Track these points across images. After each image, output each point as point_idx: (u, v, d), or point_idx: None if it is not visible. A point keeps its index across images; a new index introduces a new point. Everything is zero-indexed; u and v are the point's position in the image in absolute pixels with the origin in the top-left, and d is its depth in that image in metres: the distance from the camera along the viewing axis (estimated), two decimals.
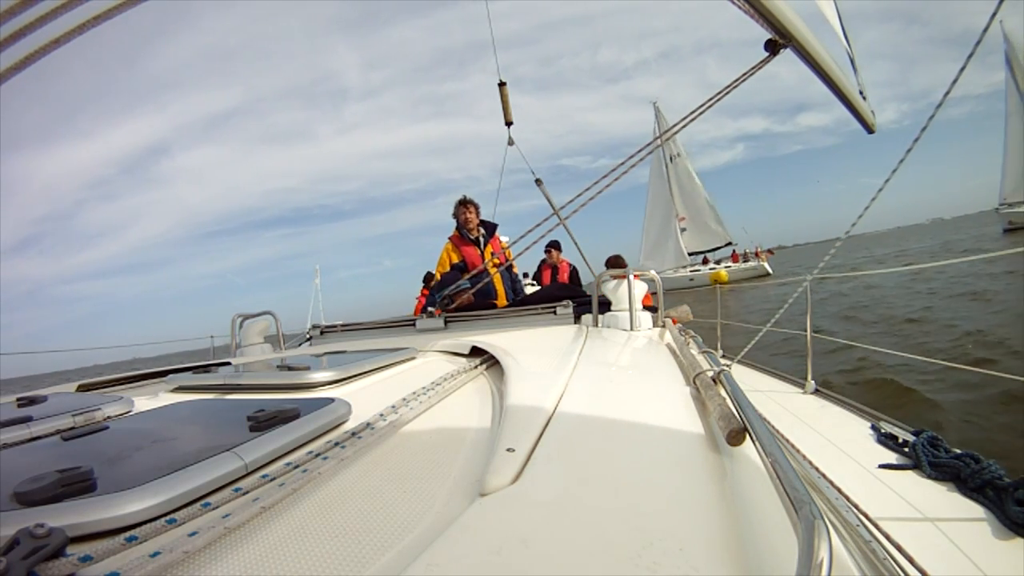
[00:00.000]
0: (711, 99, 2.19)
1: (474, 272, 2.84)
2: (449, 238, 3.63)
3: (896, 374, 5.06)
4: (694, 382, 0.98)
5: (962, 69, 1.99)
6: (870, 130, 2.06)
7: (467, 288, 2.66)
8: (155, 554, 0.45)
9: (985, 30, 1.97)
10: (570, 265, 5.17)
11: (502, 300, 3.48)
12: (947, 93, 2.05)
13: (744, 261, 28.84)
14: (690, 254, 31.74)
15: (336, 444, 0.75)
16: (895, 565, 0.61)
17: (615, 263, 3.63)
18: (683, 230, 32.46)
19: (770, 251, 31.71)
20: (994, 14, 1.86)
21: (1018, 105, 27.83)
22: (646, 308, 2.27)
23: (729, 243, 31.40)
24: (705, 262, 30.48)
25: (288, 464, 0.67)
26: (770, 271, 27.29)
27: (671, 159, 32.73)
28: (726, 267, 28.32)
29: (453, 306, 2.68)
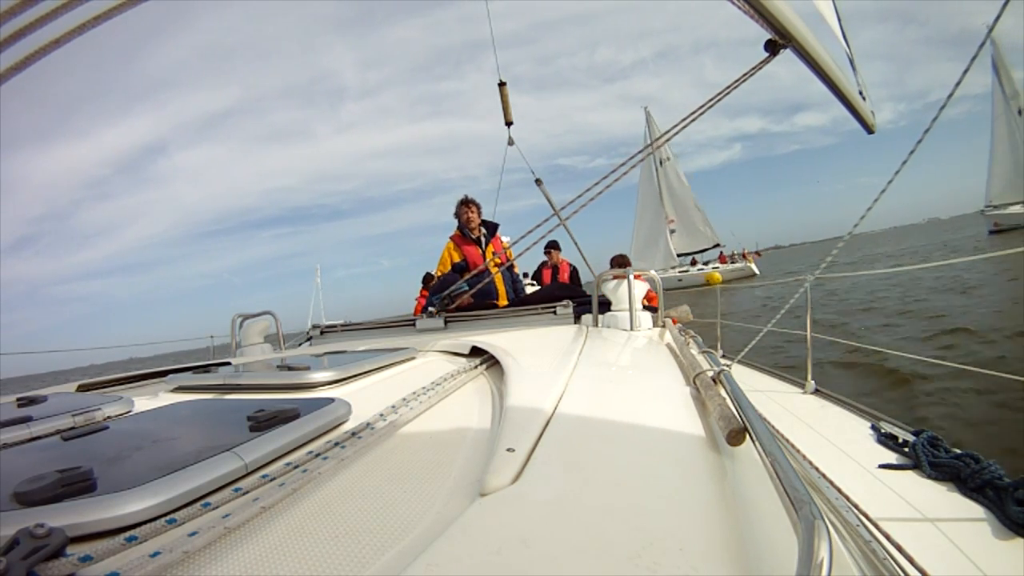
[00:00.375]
0: (710, 100, 2.19)
1: (475, 271, 2.85)
2: (450, 237, 3.63)
3: (884, 360, 5.44)
4: (694, 382, 0.98)
5: (965, 71, 1.99)
6: (870, 130, 2.06)
7: (465, 291, 2.66)
8: (155, 554, 0.45)
9: (990, 31, 1.97)
10: (570, 265, 5.18)
11: (503, 300, 3.49)
12: (951, 95, 2.05)
13: (731, 262, 29.64)
14: (679, 255, 32.68)
15: (336, 444, 0.74)
16: (895, 565, 0.61)
17: (620, 263, 3.64)
18: (672, 232, 33.48)
19: (757, 253, 32.87)
20: (998, 16, 1.86)
21: (1004, 109, 28.53)
22: (648, 308, 2.27)
23: (717, 245, 32.31)
24: (693, 263, 31.34)
25: (288, 464, 0.67)
26: (757, 272, 28.03)
27: (661, 162, 33.71)
28: (714, 268, 29.12)
29: (453, 306, 2.68)
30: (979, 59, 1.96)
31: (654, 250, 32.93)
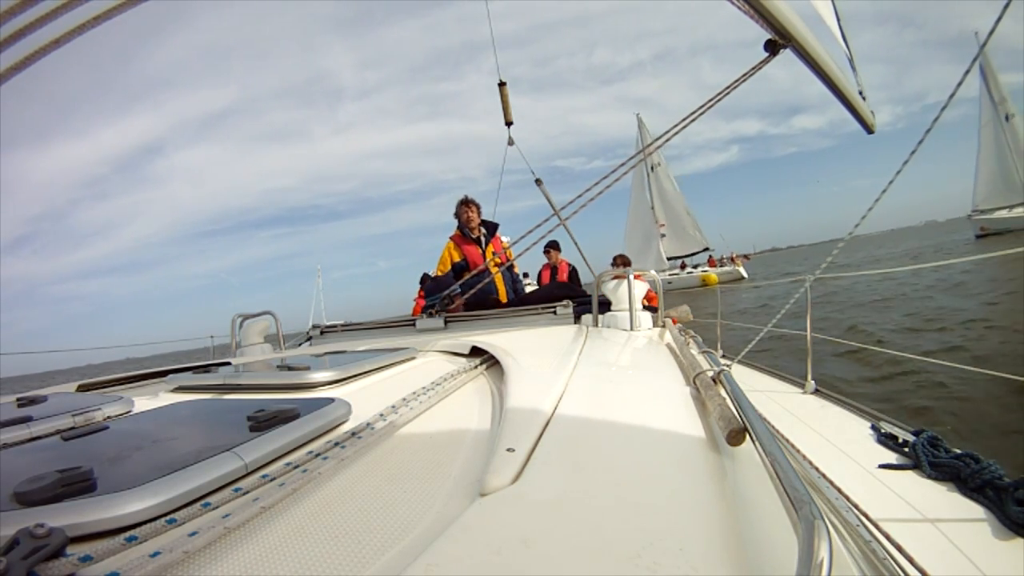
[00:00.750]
0: (709, 101, 2.19)
1: (476, 271, 2.85)
2: (451, 237, 3.64)
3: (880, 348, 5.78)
4: (694, 382, 0.98)
5: (960, 82, 2.00)
6: (870, 130, 2.06)
7: (459, 294, 2.68)
8: (155, 554, 0.45)
9: (984, 43, 1.97)
10: (569, 265, 5.18)
11: (503, 299, 3.50)
12: (952, 95, 2.05)
13: (720, 266, 30.53)
14: (668, 259, 33.67)
15: (336, 444, 0.74)
16: (895, 565, 0.61)
17: (623, 263, 3.64)
18: (663, 236, 34.66)
19: (746, 256, 34.31)
20: (999, 18, 1.86)
21: (991, 116, 29.21)
22: (648, 308, 2.27)
23: (706, 248, 33.44)
24: (683, 267, 32.28)
25: (288, 464, 0.67)
26: (745, 275, 28.75)
27: (652, 168, 34.85)
28: (703, 271, 30.09)
29: (453, 306, 2.69)
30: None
31: (646, 254, 33.87)
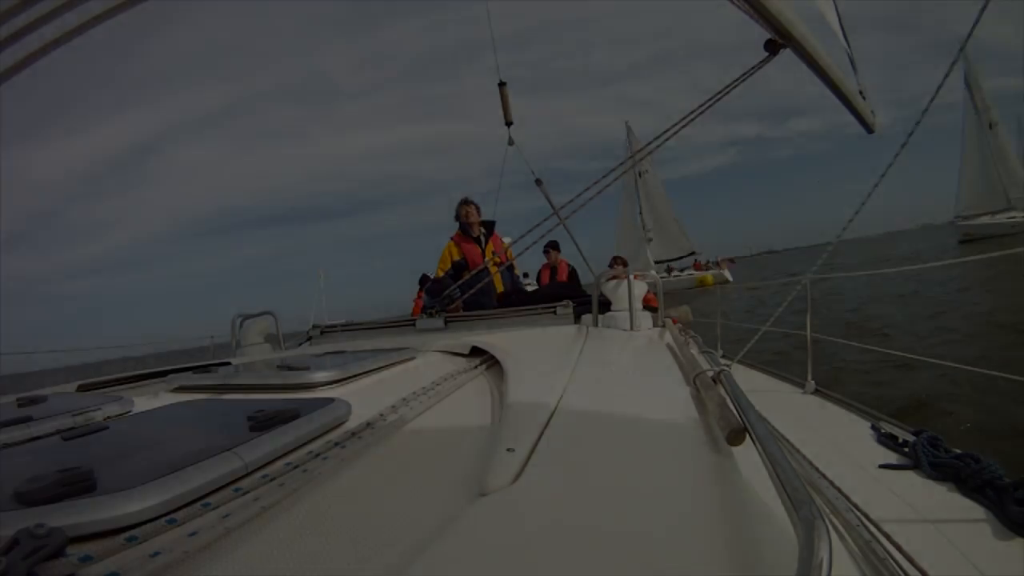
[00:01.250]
0: (709, 100, 2.19)
1: (476, 270, 2.86)
2: (451, 237, 3.67)
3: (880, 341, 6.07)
4: (694, 382, 0.98)
5: (945, 76, 2.01)
6: (870, 130, 2.07)
7: (458, 296, 2.68)
8: (155, 554, 0.45)
9: (968, 36, 1.98)
10: (569, 265, 5.18)
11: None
12: (932, 99, 2.06)
13: (706, 269, 31.48)
14: (656, 262, 34.18)
15: (336, 444, 0.75)
16: (895, 565, 0.61)
17: (622, 263, 3.65)
18: (650, 240, 35.65)
19: (731, 260, 35.51)
20: (977, 20, 1.86)
21: (975, 124, 29.76)
22: (647, 308, 2.27)
23: (692, 252, 34.44)
24: (669, 271, 32.84)
25: (288, 464, 0.67)
26: (730, 279, 29.25)
27: (640, 174, 35.47)
28: (689, 275, 31.05)
29: (453, 306, 2.69)
30: (956, 66, 1.98)
31: (635, 258, 34.46)
